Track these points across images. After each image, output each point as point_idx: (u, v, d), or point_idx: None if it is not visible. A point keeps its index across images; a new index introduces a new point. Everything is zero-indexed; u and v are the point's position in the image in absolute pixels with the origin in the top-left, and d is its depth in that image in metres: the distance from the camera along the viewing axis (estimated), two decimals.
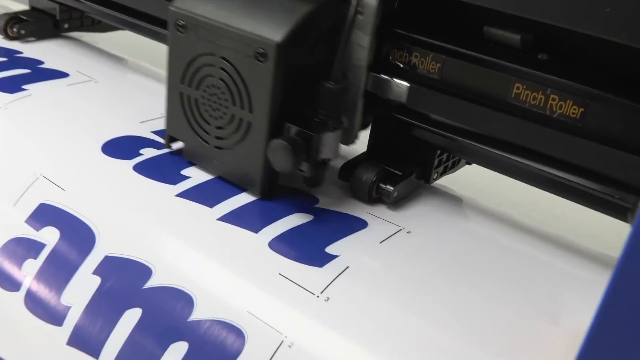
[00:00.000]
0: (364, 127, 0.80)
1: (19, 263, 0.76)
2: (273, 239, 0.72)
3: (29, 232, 0.77)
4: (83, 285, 0.72)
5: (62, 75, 1.01)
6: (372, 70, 0.77)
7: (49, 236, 0.76)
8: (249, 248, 0.71)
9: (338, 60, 0.71)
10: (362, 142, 0.81)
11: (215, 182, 0.78)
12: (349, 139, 0.79)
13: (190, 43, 0.75)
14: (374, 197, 0.78)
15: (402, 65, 0.76)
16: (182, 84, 0.77)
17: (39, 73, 1.00)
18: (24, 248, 0.77)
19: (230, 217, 0.74)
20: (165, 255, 0.72)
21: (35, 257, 0.76)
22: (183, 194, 0.77)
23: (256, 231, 0.72)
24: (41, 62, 1.04)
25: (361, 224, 0.75)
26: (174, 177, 0.79)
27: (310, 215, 0.75)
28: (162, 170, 0.80)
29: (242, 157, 0.75)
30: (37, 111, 0.91)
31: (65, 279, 0.73)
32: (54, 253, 0.75)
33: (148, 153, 0.83)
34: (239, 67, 0.72)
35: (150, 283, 0.70)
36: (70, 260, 0.74)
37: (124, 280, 0.71)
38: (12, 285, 0.76)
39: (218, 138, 0.77)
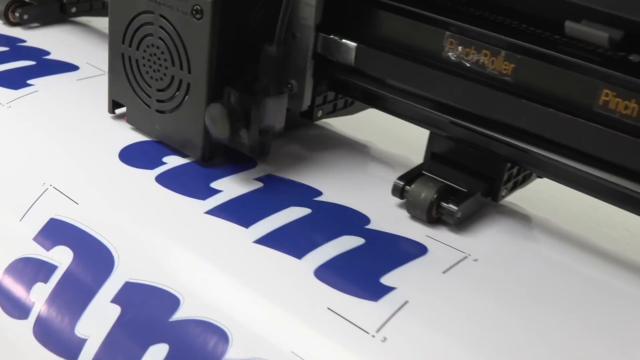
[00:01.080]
0: (318, 93, 0.75)
1: (27, 286, 0.66)
2: (319, 267, 0.62)
3: (38, 252, 0.67)
4: (101, 315, 0.62)
5: (71, 68, 0.90)
6: (321, 30, 0.71)
7: (61, 257, 0.66)
8: (292, 276, 0.61)
9: (282, 20, 0.66)
10: (414, 151, 0.73)
11: (250, 197, 0.68)
12: (300, 104, 0.73)
13: (130, 1, 0.71)
14: (434, 218, 0.67)
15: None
16: (123, 44, 0.73)
17: (45, 65, 0.89)
18: (33, 269, 0.67)
19: (270, 240, 0.64)
20: (196, 283, 0.62)
21: (45, 281, 0.66)
22: (214, 211, 0.67)
23: (300, 256, 0.63)
24: (47, 53, 0.92)
25: (420, 250, 0.65)
26: (202, 191, 0.69)
27: (360, 238, 0.65)
28: (189, 182, 0.70)
29: (183, 121, 0.71)
30: (44, 110, 0.81)
31: (80, 307, 0.63)
32: (67, 276, 0.65)
33: (172, 162, 0.73)
34: (177, 25, 0.68)
35: (178, 315, 0.60)
36: (86, 285, 0.64)
37: (147, 310, 0.61)
38: (20, 311, 0.66)
39: (159, 101, 0.73)
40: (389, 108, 0.74)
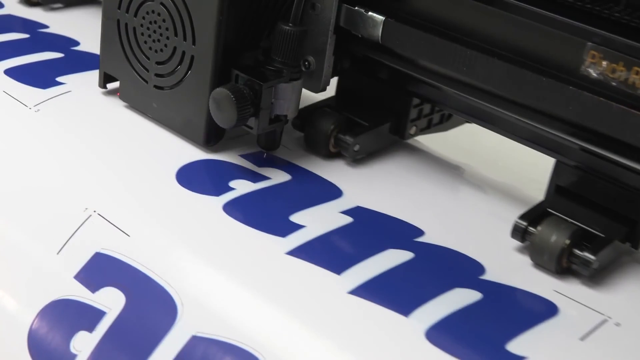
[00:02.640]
0: (338, 72, 0.69)
1: (67, 335, 0.58)
2: (431, 327, 0.55)
3: (81, 293, 0.59)
4: None
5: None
6: (345, 0, 0.65)
7: (110, 301, 0.58)
8: (399, 338, 0.54)
9: None
10: (520, 177, 0.67)
11: (339, 235, 0.61)
12: (317, 84, 0.68)
13: None
14: (563, 267, 0.59)
15: None
16: (119, 9, 0.69)
17: (76, 59, 0.80)
18: (75, 315, 0.58)
19: (368, 291, 0.57)
20: (279, 341, 0.54)
21: (90, 329, 0.58)
22: (297, 252, 0.59)
23: (406, 314, 0.55)
24: (76, 43, 0.83)
25: (549, 309, 0.57)
26: (281, 226, 0.61)
27: (476, 292, 0.58)
28: (264, 214, 0.62)
29: (184, 99, 0.67)
30: (80, 116, 0.71)
31: None
32: (117, 325, 0.57)
33: (241, 187, 0.65)
34: None
35: None
36: (142, 338, 0.56)
37: None
38: None
39: (158, 75, 0.68)
40: (492, 123, 0.66)
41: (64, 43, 0.82)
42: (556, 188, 0.62)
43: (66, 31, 0.84)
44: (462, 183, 0.70)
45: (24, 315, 0.59)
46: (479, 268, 0.60)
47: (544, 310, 0.57)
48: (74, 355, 0.57)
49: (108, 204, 0.63)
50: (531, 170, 0.66)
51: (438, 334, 0.54)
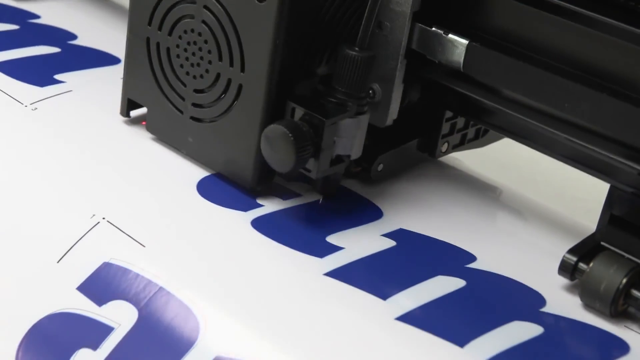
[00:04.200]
0: (407, 103, 0.64)
1: (66, 353, 0.55)
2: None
3: (85, 307, 0.56)
4: None
5: (110, 60, 0.77)
6: (419, 19, 0.60)
7: (120, 316, 0.55)
8: None
9: (370, 11, 0.57)
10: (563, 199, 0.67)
11: (381, 259, 0.59)
12: (383, 117, 0.63)
13: None
14: (619, 310, 0.57)
15: None
16: (150, 26, 0.63)
17: (75, 55, 0.77)
18: (76, 330, 0.56)
19: (418, 319, 0.55)
20: None
21: (94, 346, 0.55)
22: (336, 274, 0.57)
23: (462, 344, 0.54)
24: (72, 36, 0.79)
25: (620, 347, 0.55)
26: (317, 246, 0.60)
27: (538, 327, 0.56)
28: (298, 232, 0.61)
29: (229, 135, 0.62)
30: (84, 116, 0.69)
31: None
32: (127, 343, 0.54)
33: (270, 205, 0.62)
34: (229, 6, 0.59)
35: None
36: (157, 358, 0.53)
37: None
38: None
39: (196, 105, 0.63)
40: (534, 140, 0.62)
41: (60, 36, 0.78)
42: (610, 218, 0.58)
43: (60, 23, 0.80)
44: (503, 204, 0.69)
45: (12, 331, 0.56)
46: (539, 299, 0.58)
47: (614, 347, 0.55)
48: None
49: (119, 211, 0.60)
50: (575, 186, 0.66)
51: None
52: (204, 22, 0.60)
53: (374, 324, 0.55)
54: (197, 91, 0.63)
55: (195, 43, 0.62)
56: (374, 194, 0.65)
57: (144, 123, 0.67)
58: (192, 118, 0.64)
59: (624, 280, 0.56)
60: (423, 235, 0.63)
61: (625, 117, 0.54)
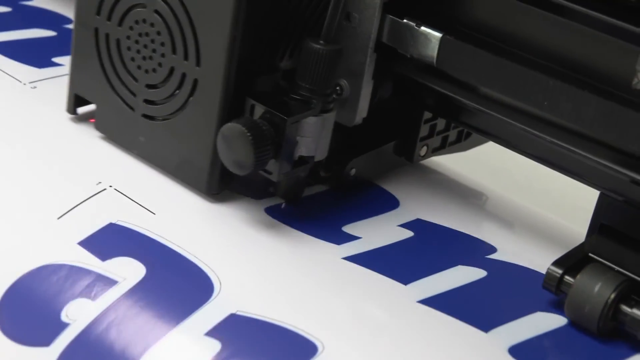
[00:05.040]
0: (378, 100, 0.62)
1: (59, 302, 0.54)
2: (516, 345, 0.55)
3: (87, 260, 0.56)
4: (184, 349, 0.52)
5: None
6: (390, 10, 0.59)
7: (125, 271, 0.55)
8: (480, 350, 0.54)
9: (335, 0, 0.55)
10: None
11: (399, 249, 0.61)
12: (351, 116, 0.61)
13: None
14: (608, 327, 0.56)
15: None
16: (99, 15, 0.61)
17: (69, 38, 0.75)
18: (74, 280, 0.55)
19: (440, 303, 0.56)
20: (340, 332, 0.54)
21: (94, 297, 0.54)
22: (355, 259, 0.59)
23: (486, 329, 0.55)
24: (68, 20, 0.79)
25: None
26: (333, 234, 0.61)
27: (562, 318, 0.56)
28: (312, 220, 0.61)
29: (182, 134, 0.60)
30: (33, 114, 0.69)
31: (150, 336, 0.53)
32: (132, 295, 0.54)
33: None
34: None
35: None
36: (167, 310, 0.54)
37: (267, 352, 0.52)
38: (38, 335, 0.54)
39: (148, 102, 0.62)
40: (514, 143, 0.61)
41: (54, 19, 0.78)
42: (600, 227, 0.57)
43: (53, 6, 0.80)
44: (494, 213, 0.69)
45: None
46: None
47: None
48: (65, 325, 0.53)
49: (126, 180, 0.61)
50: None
51: (523, 352, 0.54)
52: (156, 11, 0.59)
53: (394, 305, 0.56)
54: (149, 86, 0.61)
55: (147, 34, 0.60)
56: (388, 183, 0.65)
57: (92, 121, 0.66)
58: (144, 116, 0.62)
59: (612, 295, 0.54)
60: (442, 225, 0.64)
61: (609, 117, 0.52)
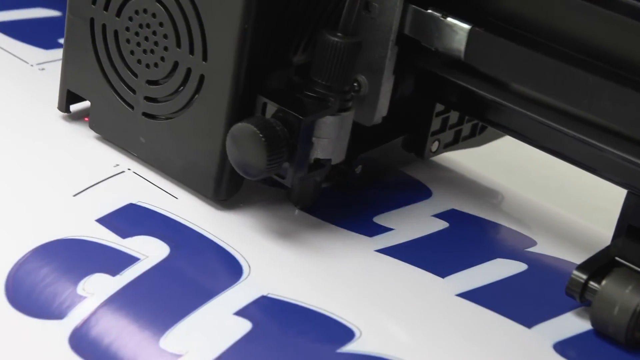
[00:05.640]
0: (399, 98, 0.60)
1: (75, 276, 0.54)
2: (561, 342, 0.55)
3: (106, 237, 0.56)
4: (212, 329, 0.52)
5: None
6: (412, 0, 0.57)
7: (147, 249, 0.55)
8: (524, 347, 0.54)
9: None
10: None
11: (435, 241, 0.61)
12: (370, 114, 0.59)
13: None
14: (636, 337, 0.55)
15: None
16: (94, 5, 0.60)
17: None
18: (91, 257, 0.55)
19: (480, 297, 0.57)
20: (377, 320, 0.54)
21: (113, 273, 0.54)
22: (388, 252, 0.59)
23: (529, 325, 0.55)
24: None
25: None
26: (365, 225, 0.61)
27: None
28: (342, 211, 0.61)
29: (187, 134, 0.59)
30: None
31: (174, 315, 0.52)
32: (156, 273, 0.54)
33: None
34: None
35: (352, 347, 0.52)
36: (192, 289, 0.54)
37: (302, 335, 0.53)
38: (50, 308, 0.53)
39: (149, 100, 0.60)
40: (538, 142, 0.59)
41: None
42: (628, 229, 0.56)
43: None
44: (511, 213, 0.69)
45: (9, 253, 0.55)
46: None
47: None
48: (82, 298, 0.53)
49: (146, 166, 0.61)
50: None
51: (569, 348, 0.54)
52: (158, 1, 0.57)
53: (432, 297, 0.56)
54: (150, 83, 0.60)
55: (148, 26, 0.58)
56: (418, 172, 0.66)
57: (86, 119, 0.64)
58: (145, 114, 0.60)
59: None
60: (478, 217, 0.64)
61: None
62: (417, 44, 0.58)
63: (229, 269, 0.55)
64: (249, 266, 0.55)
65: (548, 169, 0.84)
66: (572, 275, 0.55)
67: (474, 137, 0.68)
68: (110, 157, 0.61)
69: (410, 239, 0.60)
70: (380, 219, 0.61)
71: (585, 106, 0.53)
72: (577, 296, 0.55)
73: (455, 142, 0.67)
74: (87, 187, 0.59)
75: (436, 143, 0.65)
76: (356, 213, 0.61)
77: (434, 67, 0.60)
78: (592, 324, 0.55)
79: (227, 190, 0.58)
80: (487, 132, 0.68)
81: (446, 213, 0.63)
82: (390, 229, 0.61)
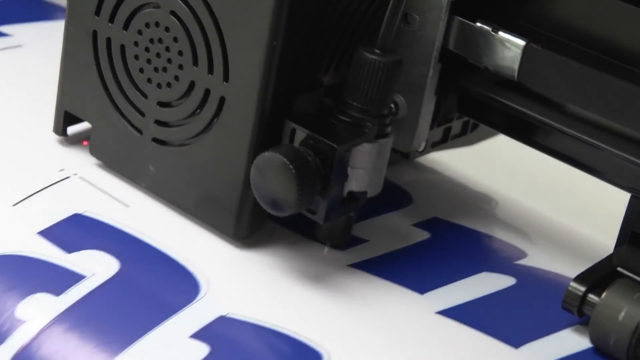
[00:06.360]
0: (440, 118, 0.59)
1: (13, 297, 0.52)
2: None
3: (48, 252, 0.54)
4: (168, 350, 0.50)
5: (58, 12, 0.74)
6: (459, 11, 0.56)
7: (95, 265, 0.54)
8: None
9: (394, 6, 0.52)
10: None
11: (414, 253, 0.60)
12: (409, 140, 0.58)
13: None
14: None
15: None
16: (98, 16, 0.57)
17: (23, 4, 0.76)
18: (31, 274, 0.54)
19: (462, 314, 0.55)
20: (344, 339, 0.53)
21: (57, 292, 0.52)
22: (362, 266, 0.57)
23: (516, 345, 0.54)
24: None
25: None
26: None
27: None
28: (309, 221, 0.58)
29: (205, 163, 0.56)
30: (37, 77, 0.67)
31: (125, 339, 0.50)
32: (104, 292, 0.53)
33: None
34: None
35: None
36: (145, 309, 0.53)
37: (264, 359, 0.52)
38: None
39: (161, 124, 0.57)
40: (557, 151, 0.59)
41: None
42: (632, 237, 0.55)
43: None
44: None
45: None
46: None
47: None
48: (21, 321, 0.52)
49: (93, 168, 0.60)
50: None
51: None
52: (173, 13, 0.54)
53: (409, 316, 0.55)
54: (162, 105, 0.57)
55: (160, 41, 0.56)
56: (399, 175, 0.64)
57: (85, 143, 0.62)
58: (155, 140, 0.58)
59: None
60: (462, 225, 0.63)
61: None
62: (463, 61, 0.57)
63: (185, 286, 0.54)
64: (208, 282, 0.54)
65: (548, 171, 0.82)
66: (570, 287, 0.55)
67: (465, 135, 0.66)
68: (54, 161, 0.60)
69: (386, 252, 0.59)
70: (354, 230, 0.59)
71: None
72: (574, 310, 0.55)
73: (445, 141, 0.65)
74: (27, 195, 0.58)
75: (423, 142, 0.63)
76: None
77: (482, 87, 0.59)
78: (592, 341, 0.54)
79: (248, 227, 0.56)
80: (480, 130, 0.67)
81: (428, 222, 0.63)
82: (365, 241, 0.59)
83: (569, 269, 0.59)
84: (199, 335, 0.52)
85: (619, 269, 0.56)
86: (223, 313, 0.53)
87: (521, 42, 0.54)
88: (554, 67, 0.54)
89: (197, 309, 0.53)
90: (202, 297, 0.54)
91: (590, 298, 0.54)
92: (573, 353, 0.55)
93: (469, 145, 0.68)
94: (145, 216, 0.58)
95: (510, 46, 0.55)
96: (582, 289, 0.55)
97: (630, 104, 0.52)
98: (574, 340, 0.56)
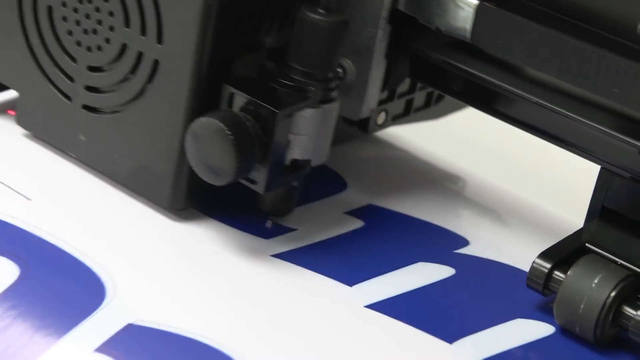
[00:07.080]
0: (391, 84, 0.59)
1: None
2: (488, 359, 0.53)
3: None
4: None
5: None
6: None
7: None
8: None
9: None
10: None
11: (346, 243, 0.60)
12: (357, 106, 0.58)
13: None
14: (608, 334, 0.54)
15: None
16: None
17: None
18: None
19: (393, 308, 0.55)
20: (259, 343, 0.51)
21: None
22: (286, 256, 0.56)
23: (450, 340, 0.53)
24: None
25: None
26: (259, 224, 0.58)
27: (548, 326, 0.55)
28: (232, 208, 0.58)
29: (138, 130, 0.56)
30: None
31: (26, 356, 0.49)
32: (2, 302, 0.51)
33: None
34: None
35: None
36: (44, 318, 0.50)
37: None
38: None
39: (91, 89, 0.57)
40: (523, 120, 0.58)
41: None
42: (602, 211, 0.56)
43: None
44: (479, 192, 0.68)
45: None
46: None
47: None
48: None
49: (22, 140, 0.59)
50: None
51: None
52: None
53: (336, 310, 0.54)
54: (92, 69, 0.57)
55: (90, 1, 0.56)
56: (331, 158, 0.61)
57: (11, 112, 0.62)
58: (85, 107, 0.58)
59: (613, 294, 0.52)
60: (400, 213, 0.62)
61: None
62: (414, 22, 0.57)
63: (90, 290, 0.53)
64: (114, 285, 0.53)
65: (515, 146, 0.83)
66: (534, 264, 0.54)
67: (429, 107, 0.66)
68: None
69: (315, 241, 0.58)
70: (281, 217, 0.59)
71: (615, 95, 0.51)
72: (539, 287, 0.54)
73: (407, 114, 0.65)
74: None
75: (383, 114, 0.63)
76: (251, 210, 0.58)
77: (435, 50, 0.59)
78: (557, 319, 0.54)
79: (185, 198, 0.56)
80: (445, 103, 0.66)
81: (362, 209, 0.62)
82: (292, 229, 0.59)
83: (514, 257, 0.59)
84: (103, 348, 0.50)
85: (587, 245, 0.56)
86: (131, 321, 0.52)
87: (474, 1, 0.54)
88: (508, 27, 0.54)
89: (103, 317, 0.52)
90: (107, 304, 0.53)
91: (557, 275, 0.54)
92: (510, 348, 0.55)
93: (434, 119, 0.68)
94: (49, 210, 0.57)
95: (463, 5, 0.55)
96: (548, 265, 0.54)
97: (588, 65, 0.52)
98: (511, 335, 0.56)
